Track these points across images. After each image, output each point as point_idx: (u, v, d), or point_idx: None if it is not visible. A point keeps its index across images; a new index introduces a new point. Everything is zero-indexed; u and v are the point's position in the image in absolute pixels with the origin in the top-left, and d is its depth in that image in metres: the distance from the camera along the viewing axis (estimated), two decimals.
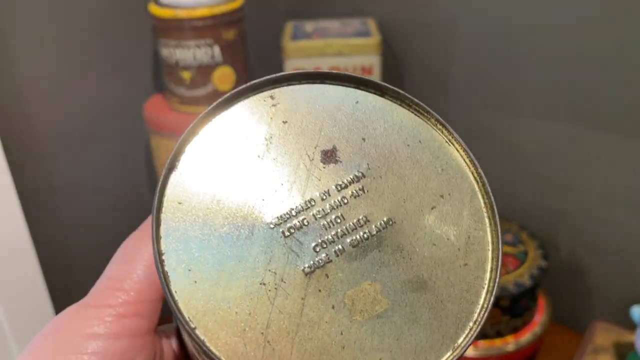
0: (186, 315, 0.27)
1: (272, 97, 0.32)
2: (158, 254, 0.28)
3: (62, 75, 0.77)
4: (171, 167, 0.30)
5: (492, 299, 0.29)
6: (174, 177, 0.29)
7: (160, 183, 0.29)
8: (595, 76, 0.76)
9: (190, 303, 0.27)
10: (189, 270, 0.28)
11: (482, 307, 0.30)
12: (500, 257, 0.30)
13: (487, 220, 0.31)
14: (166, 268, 0.28)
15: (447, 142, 0.33)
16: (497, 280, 0.30)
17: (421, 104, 0.33)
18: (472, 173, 0.32)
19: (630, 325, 0.69)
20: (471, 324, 0.29)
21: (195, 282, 0.28)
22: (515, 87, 0.80)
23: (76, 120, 0.79)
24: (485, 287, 0.30)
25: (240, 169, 0.30)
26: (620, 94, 0.75)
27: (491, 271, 0.30)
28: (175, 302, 0.27)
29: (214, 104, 0.31)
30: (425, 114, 0.33)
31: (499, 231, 0.31)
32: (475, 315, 0.29)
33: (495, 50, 0.81)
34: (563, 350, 0.74)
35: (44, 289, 0.76)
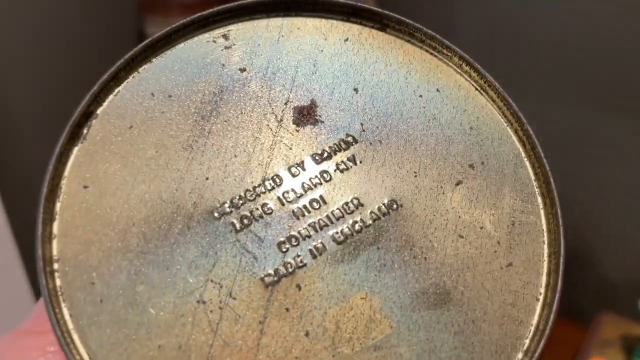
0: (83, 352, 0.18)
1: (225, 37, 0.22)
2: (44, 262, 0.18)
3: (41, 56, 0.70)
4: (74, 136, 0.20)
5: (552, 316, 0.19)
6: (78, 151, 0.20)
7: (54, 159, 0.20)
8: (606, 61, 0.66)
9: (91, 333, 0.18)
10: (93, 284, 0.18)
11: (537, 328, 0.19)
12: (563, 252, 0.20)
13: (539, 199, 0.21)
14: (59, 281, 0.18)
15: (477, 89, 0.22)
16: (558, 286, 0.19)
17: (438, 37, 0.23)
18: (516, 131, 0.21)
19: (638, 318, 0.65)
20: (520, 355, 0.19)
21: (101, 301, 0.18)
22: (521, 68, 0.71)
23: (56, 103, 0.72)
24: (541, 298, 0.19)
25: (177, 136, 0.20)
26: (634, 79, 0.65)
27: (549, 274, 0.20)
28: (63, 332, 0.18)
29: (141, 45, 0.21)
30: (445, 51, 0.22)
31: (559, 214, 0.20)
32: (527, 341, 0.19)
33: (500, 27, 0.72)
34: (569, 344, 0.69)
35: (25, 281, 0.70)
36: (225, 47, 0.22)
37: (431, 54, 0.23)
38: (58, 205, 0.19)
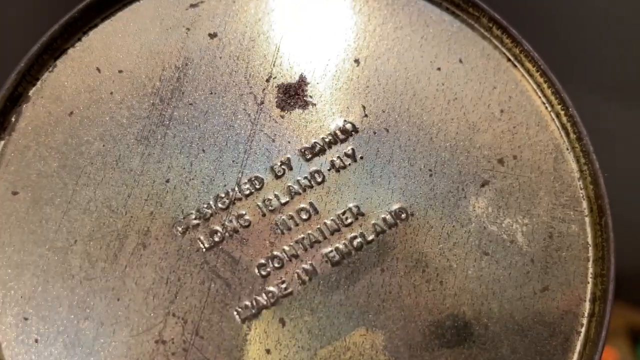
0: None
1: None
2: None
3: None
4: None
5: (596, 356, 0.15)
6: (5, 146, 0.15)
7: None
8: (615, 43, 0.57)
9: None
10: (26, 319, 0.14)
11: None
12: (612, 274, 0.15)
13: (584, 204, 0.16)
14: None
15: (510, 59, 0.17)
16: (606, 319, 0.15)
17: None
18: (558, 115, 0.16)
19: None
20: None
21: (37, 341, 0.14)
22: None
23: None
24: (583, 331, 0.15)
25: (129, 125, 0.16)
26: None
27: (593, 301, 0.15)
28: None
29: (83, 4, 0.16)
30: (470, 10, 0.17)
31: (610, 225, 0.15)
32: None
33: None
34: None
35: None
36: (191, 5, 0.17)
37: (453, 13, 0.17)
38: None
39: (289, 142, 0.16)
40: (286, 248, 0.15)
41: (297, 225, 0.16)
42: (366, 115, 0.16)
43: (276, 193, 0.16)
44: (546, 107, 0.17)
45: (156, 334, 0.15)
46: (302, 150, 0.16)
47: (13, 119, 0.16)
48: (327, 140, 0.16)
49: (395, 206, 0.16)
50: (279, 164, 0.16)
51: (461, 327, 0.15)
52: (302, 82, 0.17)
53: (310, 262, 0.15)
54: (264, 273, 0.15)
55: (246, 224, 0.16)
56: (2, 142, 0.16)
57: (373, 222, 0.16)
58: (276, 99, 0.16)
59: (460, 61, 0.17)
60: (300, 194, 0.16)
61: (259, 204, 0.16)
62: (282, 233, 0.16)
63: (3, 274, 0.15)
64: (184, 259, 0.15)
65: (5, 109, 0.16)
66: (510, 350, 0.15)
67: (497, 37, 0.17)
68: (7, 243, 0.15)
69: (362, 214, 0.16)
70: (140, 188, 0.15)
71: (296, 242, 0.15)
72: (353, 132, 0.16)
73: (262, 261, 0.15)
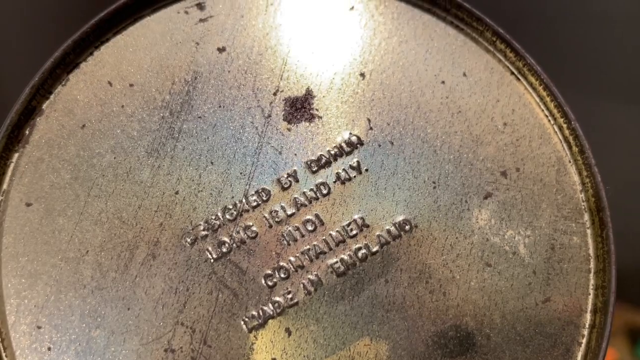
0: None
1: (200, 6, 0.17)
2: None
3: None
4: (12, 140, 0.16)
5: None
6: (19, 158, 0.16)
7: None
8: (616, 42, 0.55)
9: None
10: (39, 328, 0.14)
11: None
12: (613, 286, 0.15)
13: (586, 216, 0.16)
14: None
15: (513, 72, 0.17)
16: (606, 331, 0.15)
17: (466, 5, 0.17)
18: (560, 128, 0.16)
19: None
20: None
21: (50, 349, 0.14)
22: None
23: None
24: (584, 342, 0.15)
25: (140, 137, 0.16)
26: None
27: (594, 312, 0.15)
28: None
29: (94, 20, 0.16)
30: (475, 24, 0.17)
31: (611, 237, 0.15)
32: None
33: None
34: None
35: None
36: (201, 20, 0.17)
37: (457, 27, 0.17)
38: None
39: (296, 154, 0.16)
40: (292, 259, 0.16)
41: (303, 236, 0.16)
42: (371, 128, 0.17)
43: (282, 205, 0.16)
44: (549, 120, 0.17)
45: (165, 343, 0.15)
46: (308, 162, 0.16)
47: (27, 132, 0.16)
48: (332, 152, 0.16)
49: (400, 218, 0.16)
50: (285, 176, 0.16)
51: (464, 337, 0.15)
52: (308, 95, 0.17)
53: (315, 272, 0.16)
54: (270, 283, 0.15)
55: (253, 235, 0.16)
56: (17, 155, 0.16)
57: (377, 233, 0.16)
58: (283, 112, 0.17)
59: (464, 74, 0.17)
60: (306, 205, 0.16)
61: (266, 215, 0.16)
62: (288, 244, 0.16)
63: (17, 283, 0.15)
64: (192, 269, 0.15)
65: (19, 122, 0.16)
66: None
67: (500, 50, 0.17)
68: (21, 253, 0.15)
69: (367, 226, 0.16)
70: (150, 200, 0.16)
71: (302, 253, 0.16)
72: (358, 145, 0.16)
73: (269, 272, 0.15)
